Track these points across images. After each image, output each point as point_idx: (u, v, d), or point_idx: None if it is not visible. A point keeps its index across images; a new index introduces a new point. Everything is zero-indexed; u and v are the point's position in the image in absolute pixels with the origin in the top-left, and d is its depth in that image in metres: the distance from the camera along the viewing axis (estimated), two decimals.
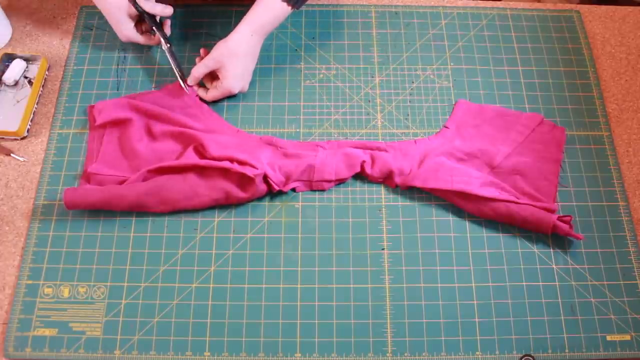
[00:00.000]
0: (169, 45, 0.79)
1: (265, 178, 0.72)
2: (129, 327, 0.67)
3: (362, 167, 0.74)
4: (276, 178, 0.72)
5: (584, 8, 0.91)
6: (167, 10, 0.78)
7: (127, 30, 0.78)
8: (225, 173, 0.71)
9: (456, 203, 0.73)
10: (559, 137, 0.78)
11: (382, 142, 0.76)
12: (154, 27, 0.79)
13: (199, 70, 0.77)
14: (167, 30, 0.81)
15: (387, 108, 0.81)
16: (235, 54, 0.75)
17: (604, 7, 0.92)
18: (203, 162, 0.71)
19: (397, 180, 0.74)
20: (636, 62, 0.87)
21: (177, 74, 0.79)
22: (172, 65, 0.79)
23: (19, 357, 0.65)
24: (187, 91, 0.79)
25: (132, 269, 0.70)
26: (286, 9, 0.76)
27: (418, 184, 0.73)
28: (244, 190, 0.71)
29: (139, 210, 0.72)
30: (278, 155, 0.74)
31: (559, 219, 0.70)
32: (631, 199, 0.76)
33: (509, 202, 0.71)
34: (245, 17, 0.76)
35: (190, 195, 0.71)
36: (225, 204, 0.73)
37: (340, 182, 0.75)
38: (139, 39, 0.80)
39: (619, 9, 0.92)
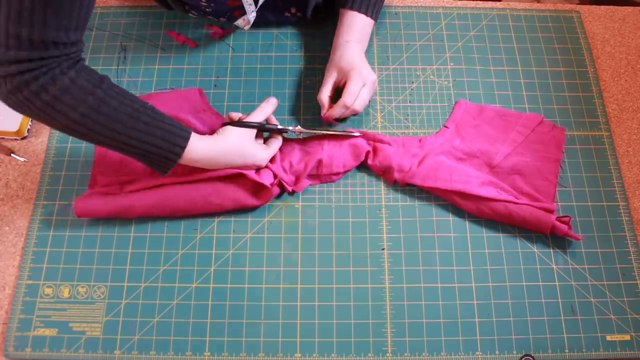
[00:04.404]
0: (296, 126, 0.73)
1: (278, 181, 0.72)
2: (129, 327, 0.67)
3: (366, 156, 0.75)
4: (288, 179, 0.73)
5: (584, 8, 0.91)
6: (272, 101, 0.73)
7: (264, 153, 0.70)
8: (238, 181, 0.71)
9: (455, 202, 0.73)
10: (559, 137, 0.78)
11: (386, 135, 0.76)
12: (279, 129, 0.73)
13: (323, 90, 0.75)
14: (274, 120, 0.74)
15: (387, 108, 0.81)
16: (350, 55, 0.75)
17: (604, 7, 0.92)
18: (220, 172, 0.70)
19: (396, 176, 0.74)
20: (636, 62, 0.87)
21: (336, 132, 0.74)
22: (323, 132, 0.74)
23: (19, 357, 0.65)
24: (358, 135, 0.75)
25: (132, 269, 0.70)
26: (369, 21, 0.78)
27: (417, 182, 0.73)
28: (258, 198, 0.71)
29: (158, 214, 0.71)
30: (286, 152, 0.74)
31: (558, 219, 0.70)
32: (631, 199, 0.76)
33: (508, 202, 0.71)
34: (337, 34, 0.78)
35: (202, 205, 0.70)
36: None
37: (347, 172, 0.76)
38: (274, 148, 0.72)
39: (619, 9, 0.92)
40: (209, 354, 0.66)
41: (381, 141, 0.75)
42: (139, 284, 0.69)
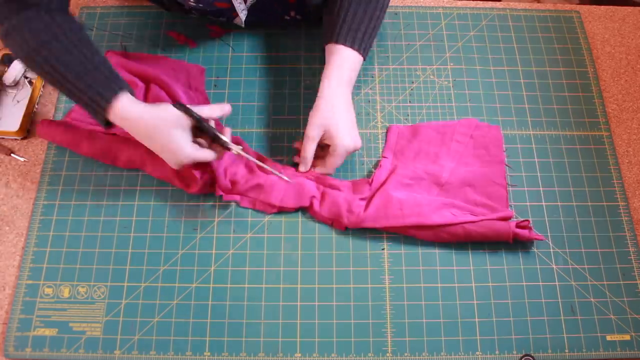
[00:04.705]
0: (240, 147, 0.69)
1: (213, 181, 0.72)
2: (129, 327, 0.67)
3: (311, 202, 0.72)
4: (223, 183, 0.71)
5: (584, 8, 0.91)
6: (226, 108, 0.69)
7: (189, 149, 0.65)
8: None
9: (411, 234, 0.71)
10: (497, 136, 0.77)
11: (338, 180, 0.73)
12: (216, 135, 0.67)
13: (308, 147, 0.69)
14: (228, 134, 0.70)
15: (387, 108, 0.81)
16: (336, 109, 0.69)
17: (603, 8, 0.92)
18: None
19: (346, 222, 0.70)
20: (636, 63, 0.87)
21: (271, 171, 0.71)
22: (259, 163, 0.71)
23: (19, 357, 0.65)
24: (291, 182, 0.71)
25: (132, 269, 0.70)
26: (358, 58, 0.71)
27: (369, 225, 0.70)
28: (183, 182, 0.73)
29: (101, 160, 0.74)
30: (233, 161, 0.73)
31: (518, 225, 0.70)
32: (631, 199, 0.76)
33: (464, 223, 0.69)
34: (323, 74, 0.71)
35: (138, 165, 0.74)
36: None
37: (284, 210, 0.72)
38: (206, 154, 0.66)
39: (618, 10, 0.92)
40: (209, 354, 0.66)
41: (331, 186, 0.72)
42: (139, 284, 0.69)
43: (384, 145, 0.77)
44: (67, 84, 0.63)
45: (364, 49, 0.72)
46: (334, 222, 0.72)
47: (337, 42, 0.71)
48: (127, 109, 0.63)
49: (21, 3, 0.61)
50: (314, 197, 0.72)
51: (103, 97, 0.63)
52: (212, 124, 0.68)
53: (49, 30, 0.62)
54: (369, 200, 0.72)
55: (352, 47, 0.71)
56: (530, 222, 0.71)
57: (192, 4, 0.77)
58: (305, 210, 0.73)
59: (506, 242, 0.70)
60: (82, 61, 0.63)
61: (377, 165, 0.75)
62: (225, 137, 0.68)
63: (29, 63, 0.63)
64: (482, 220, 0.70)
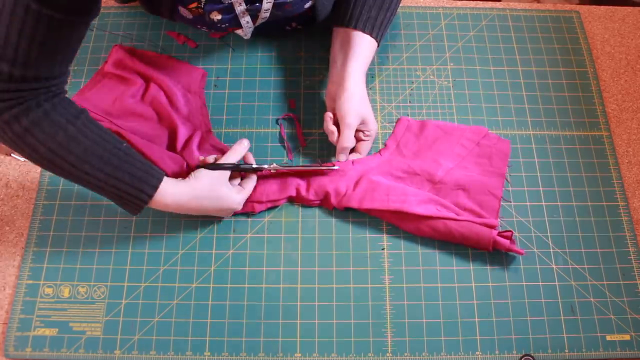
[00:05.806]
0: (272, 164, 0.72)
1: None
2: (129, 327, 0.67)
3: (297, 190, 0.72)
4: None
5: (584, 8, 0.91)
6: (244, 142, 0.70)
7: (238, 197, 0.68)
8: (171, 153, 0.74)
9: (394, 222, 0.71)
10: (504, 150, 0.76)
11: (319, 165, 0.74)
12: (253, 168, 0.71)
13: (350, 136, 0.71)
14: (251, 159, 0.72)
15: (387, 108, 0.81)
16: (363, 96, 0.73)
17: (603, 8, 0.92)
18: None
19: (333, 201, 0.72)
20: (635, 63, 0.87)
21: (314, 168, 0.73)
22: (295, 169, 0.73)
23: (19, 357, 0.65)
24: (338, 168, 0.73)
25: (132, 269, 0.70)
26: (373, 44, 0.75)
27: (354, 204, 0.71)
28: (171, 167, 0.73)
29: None
30: None
31: (500, 234, 0.70)
32: (631, 199, 0.76)
33: (446, 219, 0.70)
34: (346, 60, 0.73)
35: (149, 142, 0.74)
36: None
37: (272, 204, 0.73)
38: (249, 189, 0.70)
39: (618, 10, 0.92)
40: (209, 354, 0.66)
41: (315, 172, 0.73)
42: (139, 284, 0.69)
43: (390, 135, 0.78)
44: (94, 183, 0.59)
45: (380, 36, 0.74)
46: (323, 203, 0.73)
47: (355, 27, 0.73)
48: (169, 195, 0.63)
49: (18, 94, 0.54)
50: (299, 185, 0.72)
51: (144, 193, 0.60)
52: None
53: (66, 127, 0.56)
54: (356, 183, 0.73)
55: (370, 34, 0.73)
56: (513, 234, 0.71)
57: (204, 30, 0.77)
58: (293, 199, 0.73)
59: (485, 250, 0.70)
60: (109, 158, 0.59)
61: None
62: (259, 165, 0.71)
63: (46, 165, 0.58)
64: (465, 220, 0.70)
